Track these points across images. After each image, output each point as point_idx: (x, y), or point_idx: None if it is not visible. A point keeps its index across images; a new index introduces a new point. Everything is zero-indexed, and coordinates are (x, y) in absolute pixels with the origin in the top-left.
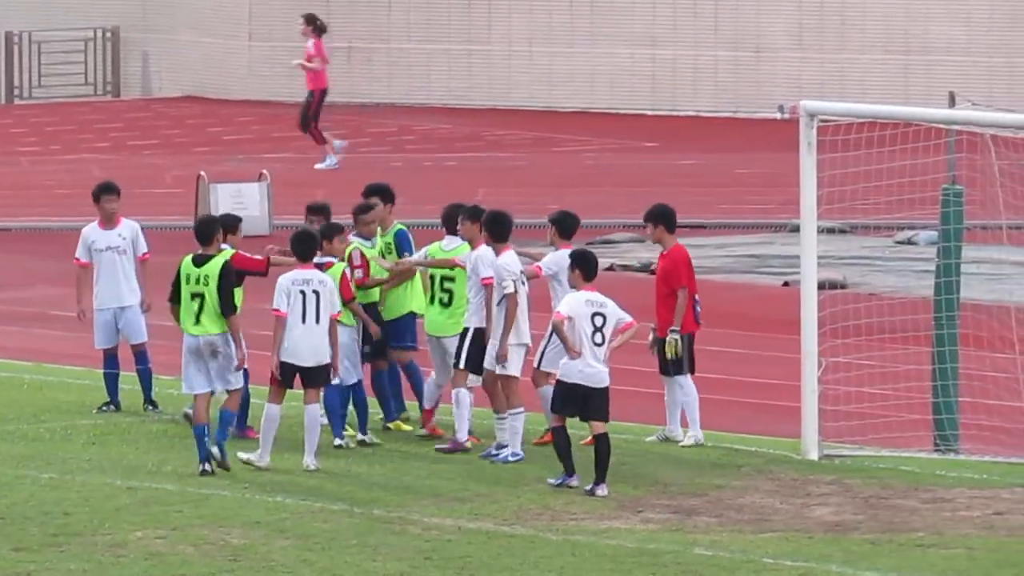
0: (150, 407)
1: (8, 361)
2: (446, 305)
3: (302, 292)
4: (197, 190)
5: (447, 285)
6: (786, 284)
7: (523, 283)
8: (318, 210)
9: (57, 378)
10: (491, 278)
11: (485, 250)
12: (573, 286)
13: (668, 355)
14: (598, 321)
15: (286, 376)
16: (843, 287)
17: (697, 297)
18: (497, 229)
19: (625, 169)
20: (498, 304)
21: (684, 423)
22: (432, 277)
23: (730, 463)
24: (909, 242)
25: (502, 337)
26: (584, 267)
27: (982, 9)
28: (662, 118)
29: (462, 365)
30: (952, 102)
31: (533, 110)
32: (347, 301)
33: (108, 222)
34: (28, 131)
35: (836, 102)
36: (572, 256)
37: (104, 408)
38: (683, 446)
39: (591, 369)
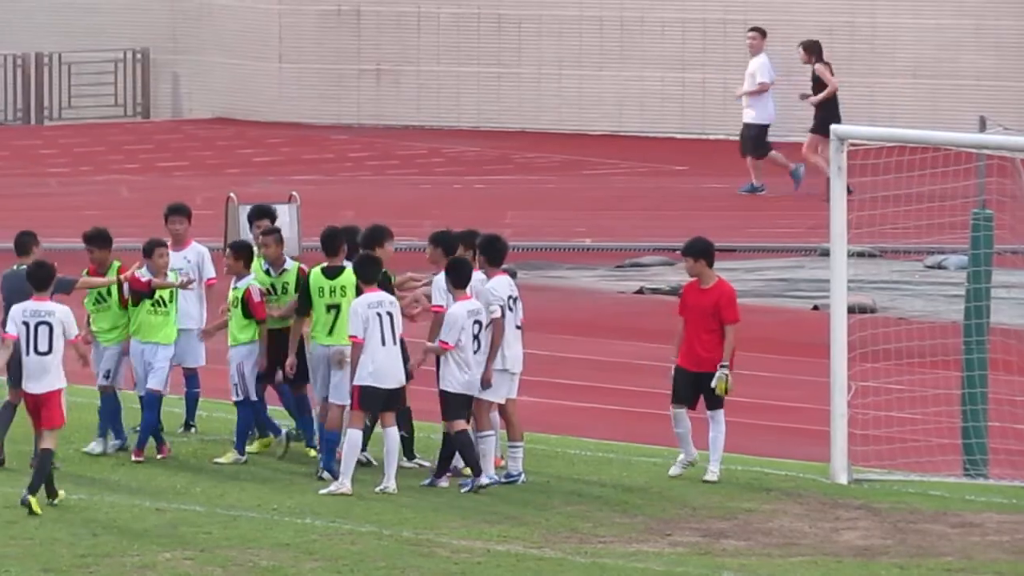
0: (182, 429)
1: None
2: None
3: (378, 315)
4: (227, 211)
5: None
6: (816, 308)
7: (511, 309)
8: (264, 213)
9: (86, 399)
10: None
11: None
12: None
13: (719, 392)
14: (475, 329)
15: (374, 401)
16: (873, 311)
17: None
18: (492, 253)
19: (654, 192)
20: (485, 328)
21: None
22: None
23: (759, 487)
24: (939, 266)
25: (487, 362)
26: (457, 275)
27: (1012, 35)
28: (692, 141)
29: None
30: (983, 127)
31: (562, 133)
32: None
33: (176, 244)
34: (58, 152)
35: (866, 126)
36: (448, 264)
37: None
38: (708, 480)
39: (472, 376)
